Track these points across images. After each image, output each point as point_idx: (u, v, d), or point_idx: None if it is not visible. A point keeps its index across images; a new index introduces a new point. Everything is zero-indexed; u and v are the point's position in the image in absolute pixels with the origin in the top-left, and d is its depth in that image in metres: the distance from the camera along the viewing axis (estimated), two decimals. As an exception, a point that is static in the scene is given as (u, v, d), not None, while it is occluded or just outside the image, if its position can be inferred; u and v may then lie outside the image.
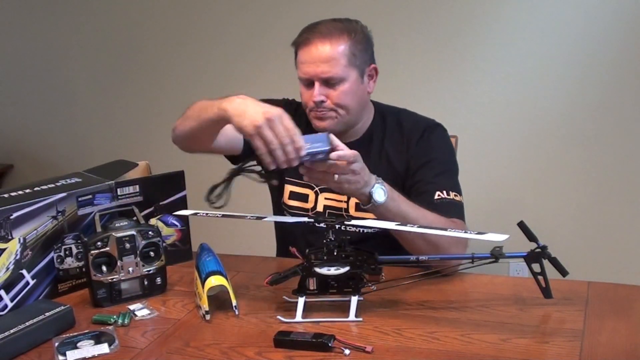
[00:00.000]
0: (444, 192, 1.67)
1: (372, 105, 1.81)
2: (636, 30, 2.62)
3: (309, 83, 1.68)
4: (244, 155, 1.72)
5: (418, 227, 1.40)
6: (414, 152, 1.74)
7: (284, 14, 3.00)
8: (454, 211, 1.66)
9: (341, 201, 1.77)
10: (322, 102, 1.67)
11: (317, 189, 1.79)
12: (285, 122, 1.36)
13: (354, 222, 1.44)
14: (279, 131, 1.35)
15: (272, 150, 1.35)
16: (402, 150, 1.75)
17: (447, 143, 1.80)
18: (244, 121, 1.39)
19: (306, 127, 1.72)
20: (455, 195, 1.68)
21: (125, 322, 1.41)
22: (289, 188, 1.82)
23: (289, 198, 1.82)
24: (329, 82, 1.66)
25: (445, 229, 1.39)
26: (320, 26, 1.67)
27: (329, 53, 1.64)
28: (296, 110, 1.79)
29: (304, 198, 1.80)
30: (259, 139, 1.36)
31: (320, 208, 1.79)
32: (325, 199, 1.79)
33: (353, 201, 1.75)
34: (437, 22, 2.82)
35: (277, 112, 1.37)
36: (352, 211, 1.76)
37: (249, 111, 1.39)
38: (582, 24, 2.67)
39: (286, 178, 1.82)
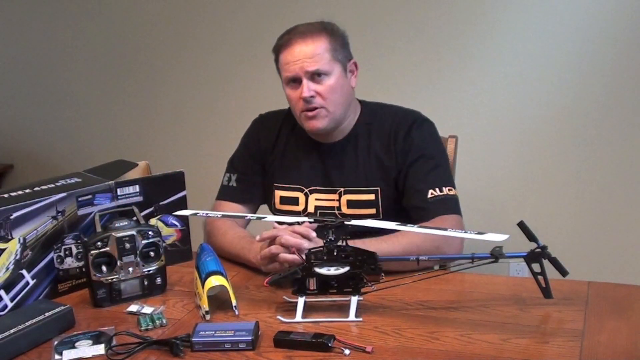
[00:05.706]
0: (437, 189, 1.69)
1: (358, 103, 1.82)
2: (636, 31, 2.62)
3: (295, 81, 1.70)
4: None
5: (418, 226, 1.39)
6: (401, 148, 1.74)
7: (284, 17, 2.99)
8: (448, 207, 1.68)
9: (333, 200, 1.76)
10: (312, 97, 1.68)
11: (306, 190, 1.79)
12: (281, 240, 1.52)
13: (353, 221, 1.44)
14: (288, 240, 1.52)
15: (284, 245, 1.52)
16: (389, 145, 1.76)
17: (434, 137, 1.80)
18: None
19: (291, 130, 1.82)
20: (449, 190, 1.70)
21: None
22: (278, 193, 1.82)
23: (280, 203, 1.82)
24: (315, 77, 1.68)
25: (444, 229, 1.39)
26: (297, 28, 1.73)
27: (312, 49, 1.68)
28: (284, 120, 1.85)
29: (294, 201, 1.80)
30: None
31: (311, 209, 1.78)
32: (316, 199, 1.78)
33: (345, 199, 1.75)
34: (436, 23, 2.82)
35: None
36: (344, 209, 1.75)
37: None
38: (582, 25, 2.67)
39: (275, 184, 1.83)
